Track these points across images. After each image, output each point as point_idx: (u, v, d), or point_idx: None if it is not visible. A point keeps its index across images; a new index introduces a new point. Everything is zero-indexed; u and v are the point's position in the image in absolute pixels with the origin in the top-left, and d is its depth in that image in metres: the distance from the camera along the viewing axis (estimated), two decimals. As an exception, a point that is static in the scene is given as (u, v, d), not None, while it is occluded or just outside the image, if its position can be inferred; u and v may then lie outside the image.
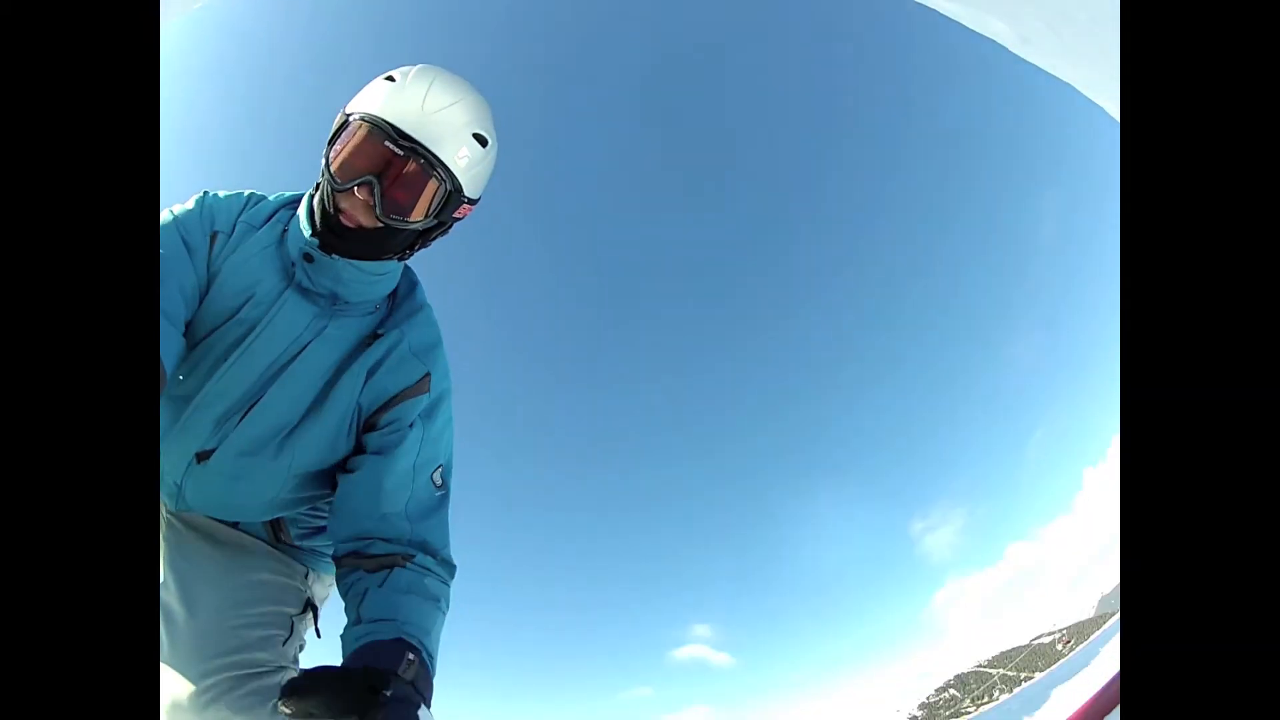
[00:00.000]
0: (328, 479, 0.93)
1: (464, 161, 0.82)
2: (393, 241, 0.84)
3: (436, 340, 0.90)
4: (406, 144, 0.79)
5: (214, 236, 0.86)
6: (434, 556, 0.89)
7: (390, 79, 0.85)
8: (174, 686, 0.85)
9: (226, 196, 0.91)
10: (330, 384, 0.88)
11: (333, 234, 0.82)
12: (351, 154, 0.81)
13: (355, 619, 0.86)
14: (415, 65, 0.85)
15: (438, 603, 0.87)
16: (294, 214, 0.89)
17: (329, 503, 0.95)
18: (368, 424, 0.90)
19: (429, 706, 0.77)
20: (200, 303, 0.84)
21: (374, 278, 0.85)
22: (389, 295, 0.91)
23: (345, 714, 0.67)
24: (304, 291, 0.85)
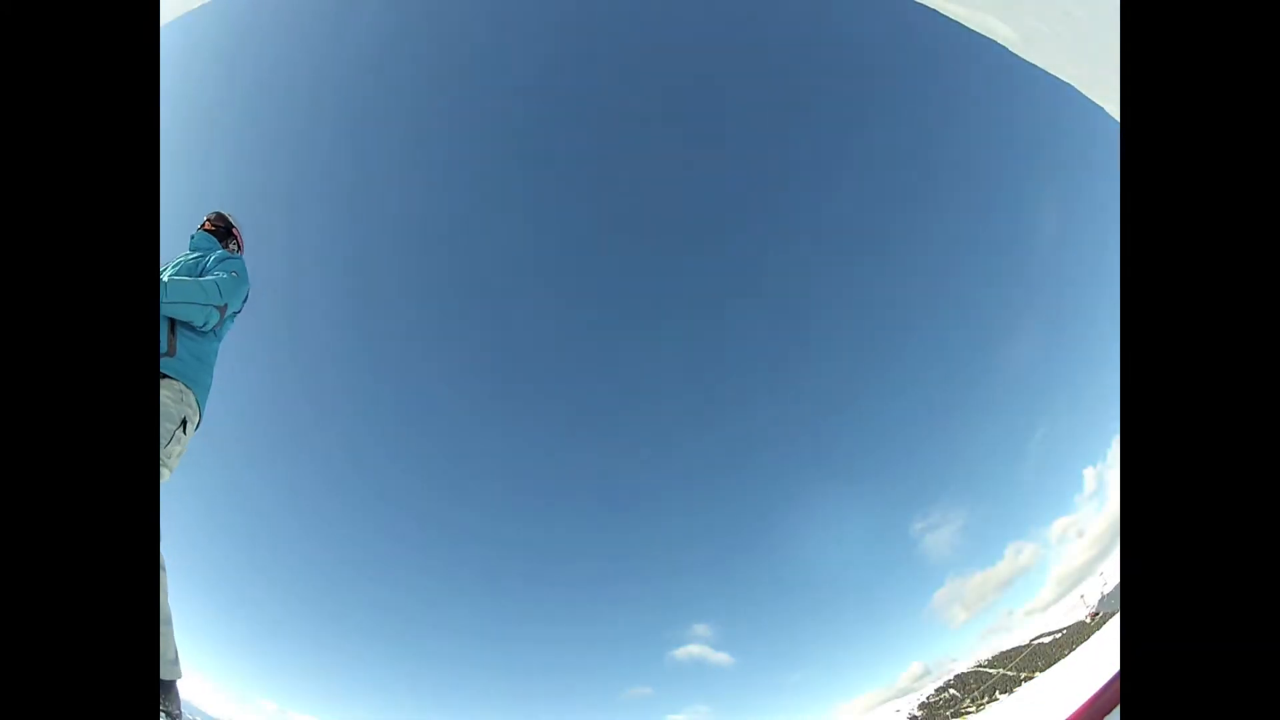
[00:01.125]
0: None
1: (218, 220, 2.64)
2: (218, 236, 2.57)
3: (226, 260, 2.35)
4: (212, 221, 2.61)
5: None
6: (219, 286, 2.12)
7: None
8: None
9: None
10: (202, 269, 2.28)
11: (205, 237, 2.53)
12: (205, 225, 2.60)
13: None
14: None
15: (200, 282, 2.04)
16: None
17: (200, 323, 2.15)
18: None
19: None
20: None
21: (210, 243, 2.51)
22: (216, 255, 2.43)
23: None
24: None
